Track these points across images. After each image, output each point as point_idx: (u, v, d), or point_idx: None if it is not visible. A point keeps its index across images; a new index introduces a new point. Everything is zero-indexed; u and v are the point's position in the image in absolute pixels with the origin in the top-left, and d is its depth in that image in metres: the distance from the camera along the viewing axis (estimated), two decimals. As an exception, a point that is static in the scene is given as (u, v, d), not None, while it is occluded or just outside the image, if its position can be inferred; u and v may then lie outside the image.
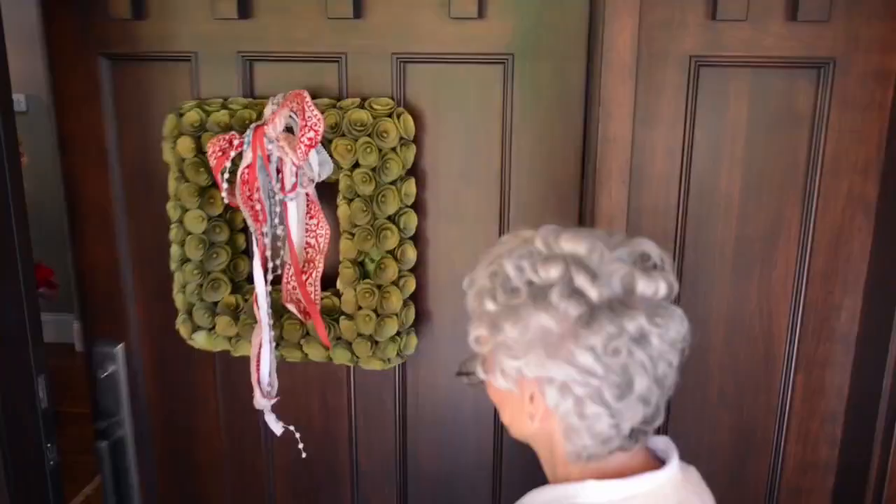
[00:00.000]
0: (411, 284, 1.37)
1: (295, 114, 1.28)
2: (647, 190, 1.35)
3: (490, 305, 0.84)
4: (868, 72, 1.28)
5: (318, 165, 1.32)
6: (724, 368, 1.44)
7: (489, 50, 1.33)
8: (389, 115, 1.31)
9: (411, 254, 1.36)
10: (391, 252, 1.35)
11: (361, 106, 1.32)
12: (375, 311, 1.35)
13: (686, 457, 0.94)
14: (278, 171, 1.31)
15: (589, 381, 0.80)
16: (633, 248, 0.84)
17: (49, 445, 1.69)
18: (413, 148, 1.34)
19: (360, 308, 1.36)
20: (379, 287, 1.35)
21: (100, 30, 1.42)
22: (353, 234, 1.35)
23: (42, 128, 4.24)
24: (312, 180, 1.31)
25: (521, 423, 0.89)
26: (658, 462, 0.91)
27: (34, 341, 1.61)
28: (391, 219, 1.34)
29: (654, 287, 0.82)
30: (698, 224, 1.37)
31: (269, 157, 1.30)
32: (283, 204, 1.35)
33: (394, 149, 1.31)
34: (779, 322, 1.41)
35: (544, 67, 1.33)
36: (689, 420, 1.47)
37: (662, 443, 0.93)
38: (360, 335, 1.37)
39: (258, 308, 1.37)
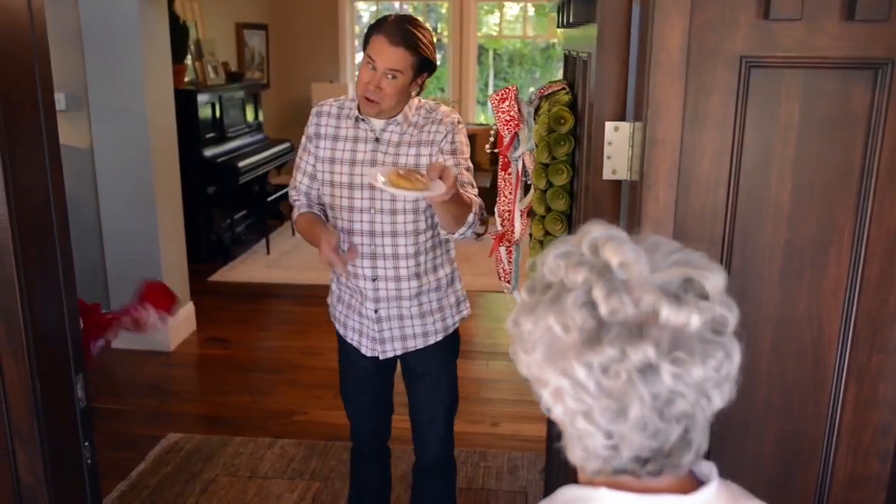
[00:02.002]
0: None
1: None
2: (695, 193, 1.31)
3: (525, 296, 0.84)
4: (928, 72, 1.23)
5: (524, 142, 1.90)
6: (772, 377, 1.40)
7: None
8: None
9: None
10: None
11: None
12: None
13: (730, 467, 0.90)
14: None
15: (581, 397, 0.78)
16: (686, 272, 0.79)
17: (87, 444, 1.69)
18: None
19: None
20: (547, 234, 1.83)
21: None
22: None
23: (80, 126, 4.29)
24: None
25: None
26: (696, 487, 0.87)
27: (73, 340, 1.62)
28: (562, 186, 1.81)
29: (683, 317, 0.76)
30: (747, 228, 1.34)
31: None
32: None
33: (565, 132, 1.72)
34: (830, 330, 1.36)
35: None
36: (733, 429, 1.43)
37: (706, 468, 0.89)
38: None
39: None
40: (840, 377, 1.38)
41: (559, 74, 7.36)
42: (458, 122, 2.28)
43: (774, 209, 1.32)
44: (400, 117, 2.23)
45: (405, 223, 2.25)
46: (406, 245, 2.26)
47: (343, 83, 8.27)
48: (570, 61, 2.16)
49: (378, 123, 2.23)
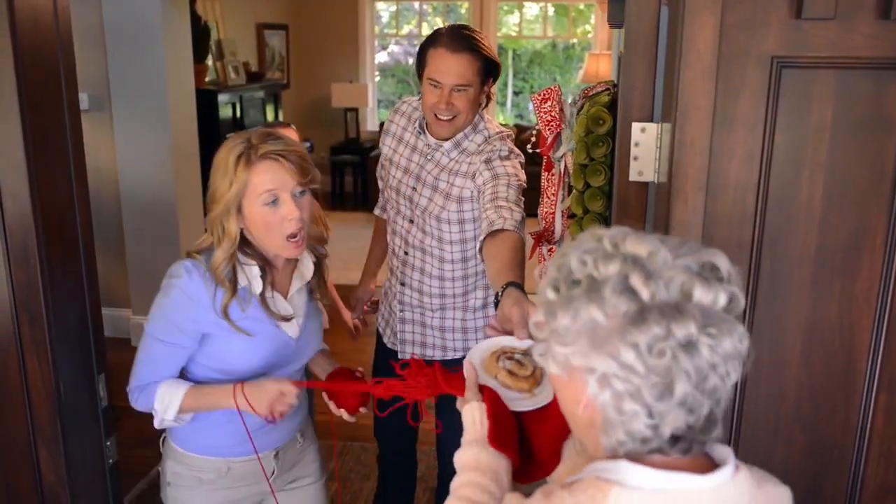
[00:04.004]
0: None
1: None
2: (724, 196, 1.29)
3: (551, 295, 0.88)
4: (966, 73, 1.20)
5: (565, 143, 1.86)
6: (801, 384, 1.37)
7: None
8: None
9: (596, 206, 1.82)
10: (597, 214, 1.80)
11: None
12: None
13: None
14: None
15: (629, 378, 0.82)
16: (702, 257, 0.86)
17: (108, 444, 1.70)
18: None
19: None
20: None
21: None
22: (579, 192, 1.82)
23: (103, 126, 4.32)
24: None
25: (570, 409, 0.91)
26: (712, 468, 0.90)
27: (96, 340, 1.62)
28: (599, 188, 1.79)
29: (712, 296, 0.83)
30: (776, 232, 1.31)
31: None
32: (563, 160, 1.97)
33: (603, 133, 1.70)
34: (861, 337, 1.34)
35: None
36: (761, 435, 1.41)
37: (724, 452, 0.92)
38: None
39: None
40: (871, 385, 1.35)
41: (580, 75, 7.27)
42: (503, 151, 2.09)
43: (805, 213, 1.30)
44: (448, 144, 2.13)
45: (431, 246, 2.21)
46: (432, 265, 2.23)
47: (363, 83, 8.28)
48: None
49: (432, 139, 2.16)
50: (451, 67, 1.99)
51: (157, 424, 1.61)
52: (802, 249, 1.31)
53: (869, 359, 1.34)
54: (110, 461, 1.72)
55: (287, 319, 1.65)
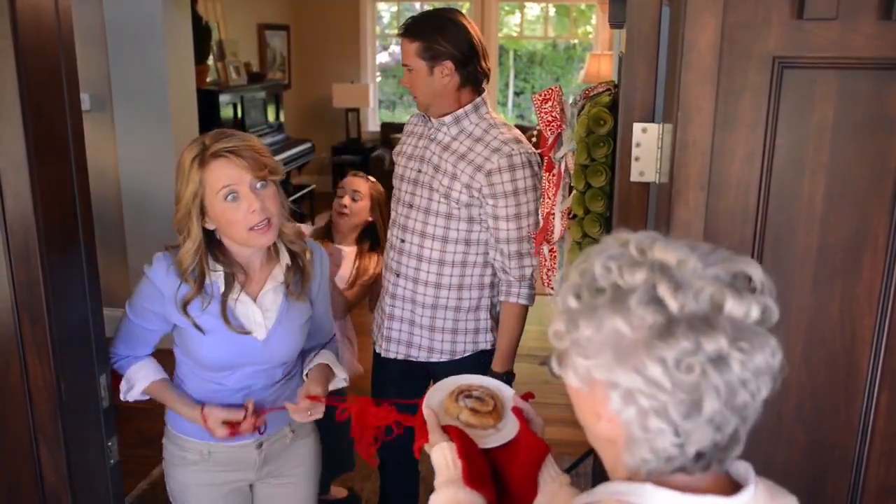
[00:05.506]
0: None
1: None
2: (725, 196, 1.29)
3: (573, 302, 0.83)
4: (967, 73, 1.20)
5: (566, 143, 1.86)
6: (802, 384, 1.37)
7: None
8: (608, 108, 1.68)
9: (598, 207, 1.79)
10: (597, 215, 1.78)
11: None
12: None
13: (758, 475, 0.90)
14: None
15: (655, 395, 0.78)
16: (733, 266, 0.82)
17: (110, 444, 1.70)
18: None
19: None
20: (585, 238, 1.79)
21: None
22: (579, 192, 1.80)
23: (104, 126, 4.32)
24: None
25: (589, 423, 0.87)
26: (733, 488, 0.87)
27: (97, 340, 1.62)
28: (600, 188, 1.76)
29: (744, 309, 0.79)
30: (778, 232, 1.31)
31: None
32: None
33: (604, 134, 1.67)
34: (862, 336, 1.34)
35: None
36: (762, 436, 1.40)
37: (742, 468, 0.89)
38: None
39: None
40: (873, 384, 1.35)
41: (581, 75, 7.28)
42: (515, 155, 2.10)
43: (807, 213, 1.30)
44: (449, 118, 2.18)
45: (435, 226, 2.21)
46: (432, 249, 2.22)
47: (364, 83, 8.28)
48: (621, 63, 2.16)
49: (435, 122, 2.23)
50: (402, 49, 2.19)
51: (121, 397, 1.74)
52: (804, 249, 1.31)
53: (870, 358, 1.34)
54: (111, 461, 1.72)
55: (245, 333, 1.67)
